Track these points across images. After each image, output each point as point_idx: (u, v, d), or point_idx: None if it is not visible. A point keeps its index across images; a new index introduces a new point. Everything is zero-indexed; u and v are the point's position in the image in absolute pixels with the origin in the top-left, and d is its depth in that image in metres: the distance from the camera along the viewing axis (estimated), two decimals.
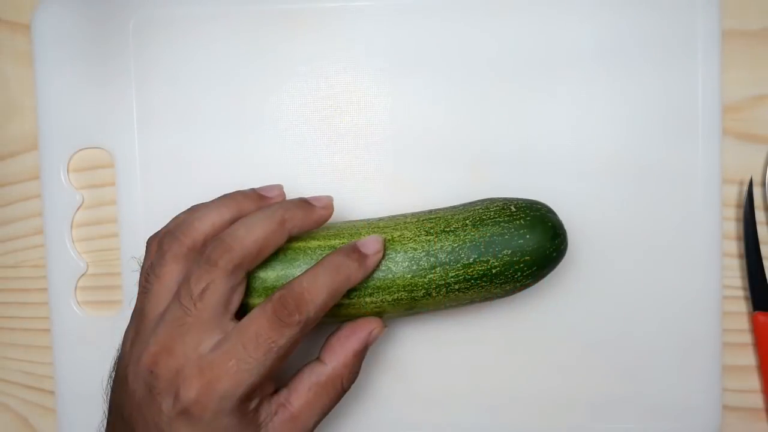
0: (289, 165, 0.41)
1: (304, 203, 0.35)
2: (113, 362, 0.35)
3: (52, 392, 0.43)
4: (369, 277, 0.34)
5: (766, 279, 0.40)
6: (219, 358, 0.31)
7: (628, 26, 0.40)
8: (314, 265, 0.33)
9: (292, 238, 0.34)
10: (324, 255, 0.34)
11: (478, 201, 0.37)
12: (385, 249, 0.34)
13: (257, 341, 0.31)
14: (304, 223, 0.34)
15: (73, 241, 0.43)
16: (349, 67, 0.41)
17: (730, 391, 0.41)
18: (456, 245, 0.34)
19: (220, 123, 0.41)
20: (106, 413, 0.34)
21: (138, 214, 0.42)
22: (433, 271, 0.34)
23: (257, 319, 0.31)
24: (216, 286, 0.31)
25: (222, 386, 0.30)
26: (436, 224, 0.35)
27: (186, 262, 0.33)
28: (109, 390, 0.34)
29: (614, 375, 0.41)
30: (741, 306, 0.41)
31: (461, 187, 0.41)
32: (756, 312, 0.41)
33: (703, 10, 0.39)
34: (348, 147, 0.41)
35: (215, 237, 0.33)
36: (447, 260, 0.34)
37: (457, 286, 0.34)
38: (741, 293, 0.41)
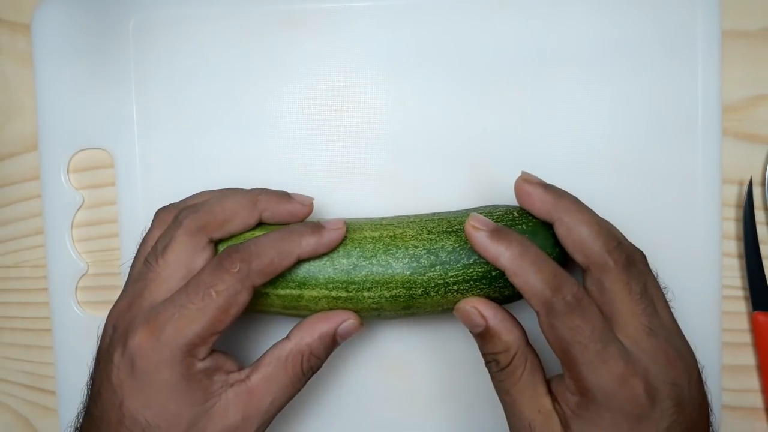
0: (289, 165, 0.41)
1: (283, 193, 0.36)
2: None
3: (52, 392, 0.43)
4: (331, 251, 0.34)
5: (765, 279, 0.41)
6: (164, 307, 0.32)
7: (627, 26, 0.40)
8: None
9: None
10: (338, 253, 0.34)
11: (482, 206, 0.37)
12: (346, 231, 0.35)
13: (197, 287, 0.31)
14: (276, 209, 0.35)
15: (73, 242, 0.43)
16: (349, 68, 0.41)
17: (729, 390, 0.41)
18: (457, 245, 0.34)
19: (220, 123, 0.41)
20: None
21: (138, 214, 0.42)
22: (432, 269, 0.34)
23: (202, 270, 0.32)
24: (176, 243, 0.33)
25: (164, 334, 0.31)
26: (439, 224, 0.35)
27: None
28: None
29: None
30: (741, 306, 0.41)
31: (461, 187, 0.41)
32: (755, 312, 0.41)
33: (702, 10, 0.39)
34: (348, 147, 0.41)
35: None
36: (447, 259, 0.34)
37: (456, 287, 0.34)
38: (741, 293, 0.41)
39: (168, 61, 0.42)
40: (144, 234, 0.36)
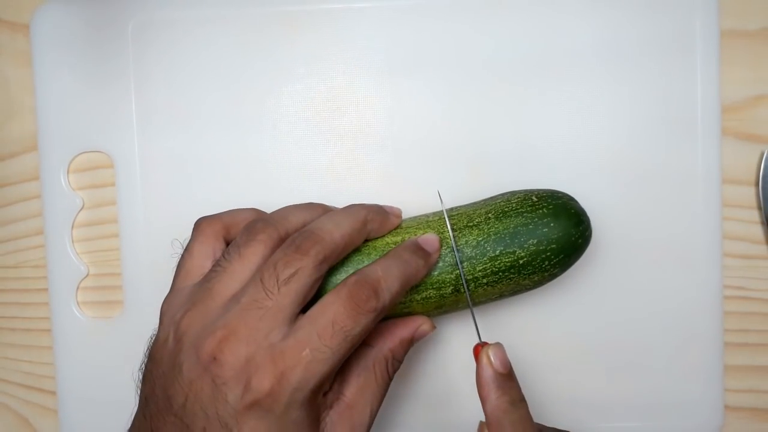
0: (288, 166, 0.41)
1: (382, 209, 0.36)
2: (147, 348, 0.33)
3: (52, 392, 0.43)
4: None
5: None
6: (292, 346, 0.29)
7: (626, 26, 0.40)
8: (382, 256, 0.33)
9: None
10: (362, 263, 0.34)
11: (498, 195, 0.37)
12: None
13: (333, 329, 0.29)
14: (380, 228, 0.35)
15: (74, 246, 0.42)
16: (349, 68, 0.41)
17: (731, 391, 0.41)
18: (480, 239, 0.34)
19: (219, 124, 0.41)
20: (139, 403, 0.32)
21: (138, 215, 0.42)
22: (459, 266, 0.34)
23: (332, 305, 0.30)
24: (303, 273, 0.30)
25: (296, 377, 0.29)
26: (459, 220, 0.35)
27: (272, 251, 0.32)
28: (141, 379, 0.32)
29: (616, 374, 0.41)
30: (742, 306, 0.41)
31: (461, 187, 0.41)
32: None
33: (701, 9, 0.39)
34: (348, 148, 0.41)
35: (302, 230, 0.32)
36: (473, 254, 0.34)
37: (485, 280, 0.34)
38: (741, 293, 0.41)
39: (167, 62, 0.42)
40: (185, 243, 0.34)
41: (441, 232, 0.35)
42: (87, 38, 0.42)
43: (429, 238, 0.35)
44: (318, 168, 0.41)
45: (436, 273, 0.34)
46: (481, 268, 0.34)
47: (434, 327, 0.35)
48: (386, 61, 0.41)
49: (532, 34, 0.40)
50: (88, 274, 0.43)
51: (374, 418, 0.33)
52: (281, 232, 0.32)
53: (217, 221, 0.34)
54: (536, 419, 0.41)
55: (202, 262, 0.33)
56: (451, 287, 0.34)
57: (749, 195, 0.41)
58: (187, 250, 0.34)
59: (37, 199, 0.43)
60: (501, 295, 0.36)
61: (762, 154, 0.41)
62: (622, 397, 0.41)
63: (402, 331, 0.34)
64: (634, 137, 0.40)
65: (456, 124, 0.41)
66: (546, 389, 0.41)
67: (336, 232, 0.32)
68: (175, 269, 0.34)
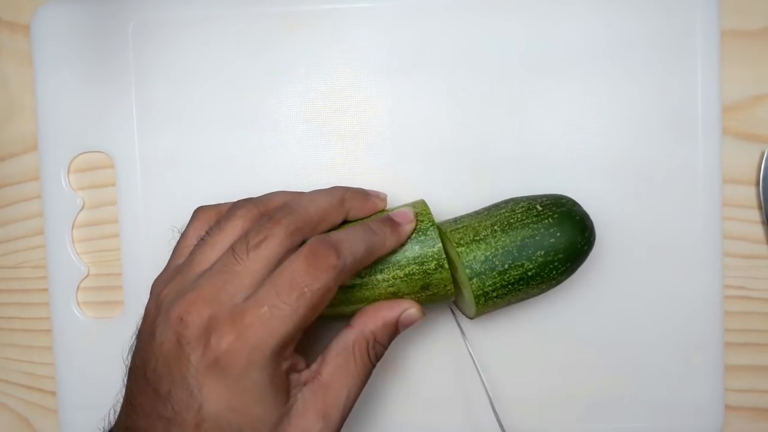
0: (289, 166, 0.41)
1: (363, 191, 0.36)
2: (136, 327, 0.33)
3: (53, 393, 0.43)
4: (401, 247, 0.34)
5: None
6: (251, 305, 0.29)
7: (627, 26, 0.40)
8: (349, 226, 0.34)
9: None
10: None
11: (501, 203, 0.37)
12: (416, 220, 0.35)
13: (291, 285, 0.30)
14: (360, 207, 0.35)
15: (74, 246, 0.42)
16: (349, 68, 0.41)
17: (732, 391, 0.41)
18: (489, 253, 0.34)
19: (219, 124, 0.41)
20: (125, 381, 0.32)
21: (138, 214, 0.42)
22: (470, 282, 0.34)
23: (292, 263, 0.30)
24: (273, 240, 0.31)
25: (254, 335, 0.29)
26: (464, 234, 0.35)
27: (252, 224, 0.33)
28: (130, 357, 0.33)
29: (616, 374, 0.40)
30: (742, 306, 0.41)
31: (461, 187, 0.41)
32: None
33: (702, 9, 0.39)
34: (348, 148, 0.41)
35: (278, 203, 0.34)
36: (482, 270, 0.34)
37: (495, 294, 0.34)
38: (742, 293, 0.41)
39: (168, 62, 0.42)
40: (183, 229, 0.35)
41: (448, 247, 0.35)
42: (87, 38, 0.42)
43: (402, 211, 0.35)
44: (318, 168, 0.41)
45: (417, 248, 0.34)
46: (490, 282, 0.34)
47: (423, 313, 0.35)
48: (386, 61, 0.41)
49: (532, 34, 0.40)
50: (88, 274, 0.43)
51: (352, 402, 0.32)
52: (261, 209, 0.34)
53: (213, 209, 0.35)
54: (536, 419, 0.41)
55: (193, 243, 0.34)
56: (435, 262, 0.34)
57: (750, 195, 0.41)
58: (183, 233, 0.35)
59: (38, 199, 0.43)
60: (509, 303, 0.36)
61: (762, 154, 0.41)
62: (622, 397, 0.40)
63: (386, 312, 0.34)
64: (635, 137, 0.40)
65: (456, 123, 0.41)
66: (546, 389, 0.41)
67: (310, 206, 0.33)
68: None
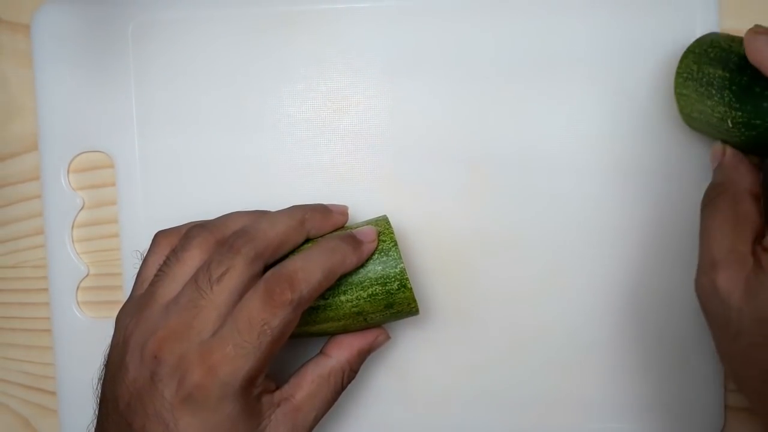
0: (289, 166, 0.41)
1: (324, 208, 0.36)
2: (104, 357, 0.34)
3: (52, 393, 0.43)
4: (362, 265, 0.35)
5: None
6: (217, 343, 0.30)
7: (626, 26, 0.40)
8: (308, 247, 0.34)
9: (306, 240, 0.35)
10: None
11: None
12: (378, 240, 0.35)
13: (250, 324, 0.30)
14: (321, 226, 0.36)
15: (74, 246, 0.43)
16: (349, 69, 0.41)
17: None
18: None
19: (219, 125, 0.41)
20: (96, 411, 0.34)
21: (138, 214, 0.42)
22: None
23: (249, 301, 0.31)
24: (235, 272, 0.31)
25: (222, 371, 0.30)
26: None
27: (210, 253, 0.33)
28: (99, 386, 0.34)
29: (616, 375, 0.40)
30: None
31: (461, 188, 0.41)
32: None
33: (701, 9, 0.39)
34: (348, 148, 0.41)
35: (236, 230, 0.34)
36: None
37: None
38: None
39: (168, 62, 0.42)
40: (143, 255, 0.36)
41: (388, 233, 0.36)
42: (87, 38, 0.42)
43: (364, 230, 0.35)
44: (318, 168, 0.41)
45: (380, 268, 0.35)
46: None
47: (389, 337, 0.37)
48: (386, 61, 0.41)
49: (532, 34, 0.40)
50: (88, 274, 0.43)
51: (318, 422, 0.34)
52: (217, 235, 0.34)
53: (174, 233, 0.35)
54: (536, 419, 0.41)
55: (154, 272, 0.34)
56: (397, 282, 0.35)
57: None
58: (144, 261, 0.35)
59: (38, 199, 0.43)
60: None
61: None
62: (621, 398, 0.40)
63: (360, 341, 0.36)
64: (635, 137, 0.40)
65: (456, 123, 0.41)
66: (546, 390, 0.41)
67: (270, 231, 0.33)
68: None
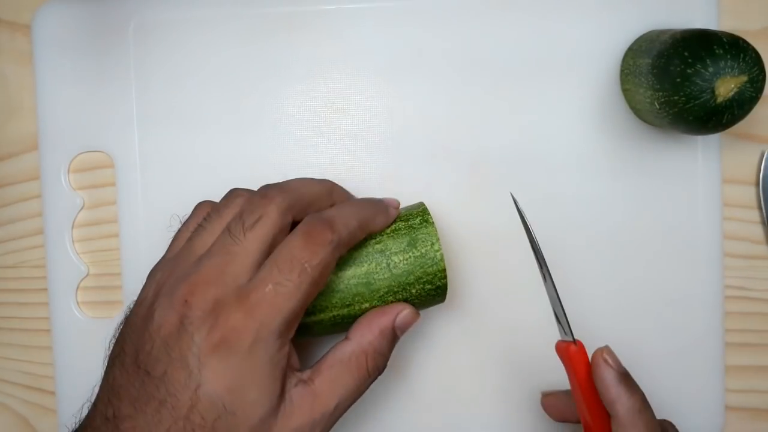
0: (288, 166, 0.41)
1: (347, 191, 0.39)
2: (124, 314, 0.33)
3: (52, 393, 0.43)
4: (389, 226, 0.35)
5: None
6: (256, 285, 0.30)
7: (627, 26, 0.40)
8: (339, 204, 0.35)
9: None
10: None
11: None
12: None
13: (291, 263, 0.30)
14: (346, 200, 0.37)
15: (74, 246, 0.42)
16: (349, 69, 0.41)
17: (732, 391, 0.41)
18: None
19: (219, 125, 0.41)
20: (103, 374, 0.32)
21: (138, 214, 0.42)
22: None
23: (290, 242, 0.31)
24: (268, 219, 0.32)
25: (261, 312, 0.29)
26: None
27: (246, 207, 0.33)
28: (112, 344, 0.32)
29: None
30: (743, 306, 0.41)
31: (461, 188, 0.41)
32: None
33: (701, 9, 0.39)
34: (348, 148, 0.41)
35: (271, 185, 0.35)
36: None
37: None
38: (742, 293, 0.41)
39: (168, 62, 0.42)
40: (183, 220, 0.36)
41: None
42: (87, 38, 0.42)
43: (388, 198, 0.37)
44: (319, 168, 0.41)
45: (404, 210, 0.36)
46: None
47: (418, 314, 0.35)
48: (386, 61, 0.41)
49: (532, 34, 0.40)
50: (88, 274, 0.43)
51: (341, 413, 0.32)
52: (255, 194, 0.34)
53: (214, 202, 0.36)
54: (536, 419, 0.41)
55: (192, 231, 0.34)
56: (419, 218, 0.36)
57: (750, 195, 0.41)
58: (184, 224, 0.36)
59: (38, 198, 0.43)
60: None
61: (762, 154, 0.41)
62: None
63: (380, 319, 0.34)
64: (635, 137, 0.40)
65: (456, 123, 0.41)
66: (545, 389, 0.40)
67: (302, 188, 0.34)
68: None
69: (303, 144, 0.41)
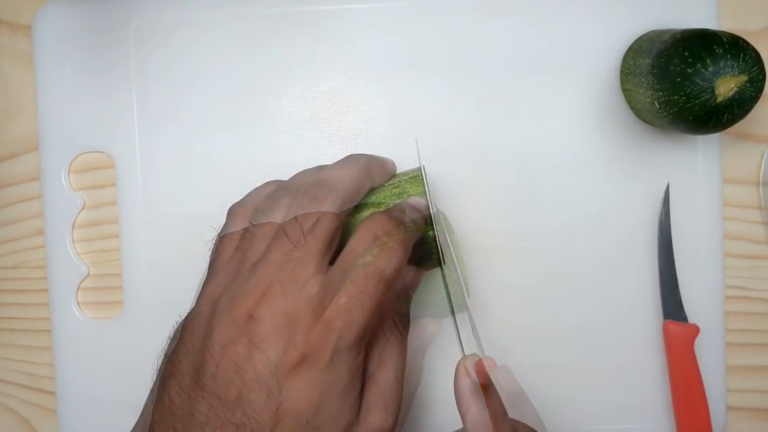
0: (289, 166, 0.41)
1: (377, 157, 0.36)
2: (174, 331, 0.31)
3: (52, 393, 0.43)
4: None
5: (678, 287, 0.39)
6: (329, 296, 0.29)
7: (627, 26, 0.40)
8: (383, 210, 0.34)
9: None
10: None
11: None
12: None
13: (366, 272, 0.29)
14: (382, 173, 0.36)
15: (74, 246, 0.42)
16: (349, 69, 0.41)
17: (733, 391, 0.41)
18: None
19: (220, 125, 0.42)
20: (153, 394, 0.30)
21: (138, 214, 0.42)
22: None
23: (358, 247, 0.31)
24: (326, 220, 0.30)
25: (338, 325, 0.28)
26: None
27: (293, 208, 0.32)
28: (162, 363, 0.30)
29: (617, 375, 0.40)
30: (743, 306, 0.41)
31: (460, 188, 0.41)
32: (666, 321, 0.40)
33: (701, 10, 0.39)
34: (348, 148, 0.41)
35: (312, 181, 0.33)
36: None
37: None
38: (743, 293, 0.41)
39: (168, 62, 0.42)
40: (219, 230, 0.34)
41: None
42: (88, 39, 0.42)
43: (416, 199, 0.35)
44: None
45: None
46: None
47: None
48: (386, 61, 0.41)
49: (532, 34, 0.40)
50: (88, 275, 0.43)
51: (401, 384, 0.31)
52: (297, 193, 0.33)
53: (249, 205, 0.34)
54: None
55: (237, 239, 0.32)
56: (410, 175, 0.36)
57: (750, 195, 0.41)
58: (222, 233, 0.33)
59: (38, 199, 0.43)
60: None
61: (763, 155, 0.41)
62: (622, 398, 0.40)
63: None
64: (634, 137, 0.40)
65: (456, 123, 0.41)
66: (547, 391, 0.40)
67: (346, 178, 0.33)
68: (210, 255, 0.33)
69: (303, 144, 0.41)
